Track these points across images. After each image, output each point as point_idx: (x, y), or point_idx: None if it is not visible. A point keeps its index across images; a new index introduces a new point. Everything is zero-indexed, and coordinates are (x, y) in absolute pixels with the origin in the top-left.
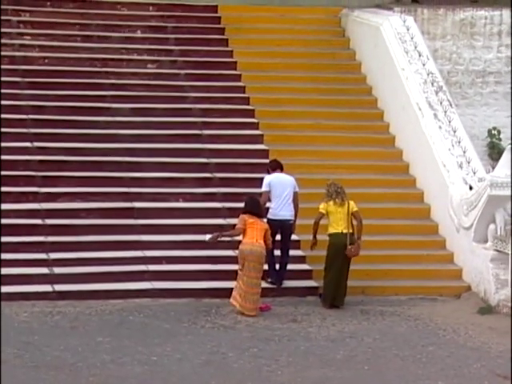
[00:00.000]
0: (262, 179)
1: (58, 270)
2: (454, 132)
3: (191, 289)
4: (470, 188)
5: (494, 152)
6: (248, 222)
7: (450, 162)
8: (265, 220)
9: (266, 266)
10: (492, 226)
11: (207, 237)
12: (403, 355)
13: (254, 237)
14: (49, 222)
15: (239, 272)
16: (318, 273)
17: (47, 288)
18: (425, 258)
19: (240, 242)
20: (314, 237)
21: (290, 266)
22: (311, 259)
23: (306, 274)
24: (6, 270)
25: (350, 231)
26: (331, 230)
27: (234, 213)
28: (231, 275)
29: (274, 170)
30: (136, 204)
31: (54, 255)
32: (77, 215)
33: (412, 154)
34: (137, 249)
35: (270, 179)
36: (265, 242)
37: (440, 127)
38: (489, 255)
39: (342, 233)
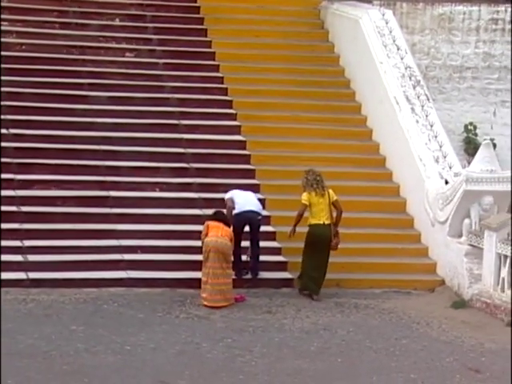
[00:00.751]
0: (238, 170)
1: (32, 258)
2: (431, 126)
3: (166, 278)
4: (446, 182)
5: (470, 147)
6: (211, 225)
7: (426, 156)
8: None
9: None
10: (467, 221)
11: None
12: (376, 348)
13: (218, 232)
14: (24, 209)
15: (203, 267)
16: (293, 264)
17: (21, 275)
18: (400, 252)
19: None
20: (295, 227)
21: (265, 258)
22: (286, 251)
23: (281, 266)
24: None
25: (333, 221)
26: (313, 221)
27: (210, 203)
28: None
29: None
30: (112, 193)
31: (28, 243)
32: (52, 203)
33: (389, 147)
34: (112, 238)
35: (233, 190)
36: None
37: (417, 121)
38: (463, 250)
39: (323, 224)
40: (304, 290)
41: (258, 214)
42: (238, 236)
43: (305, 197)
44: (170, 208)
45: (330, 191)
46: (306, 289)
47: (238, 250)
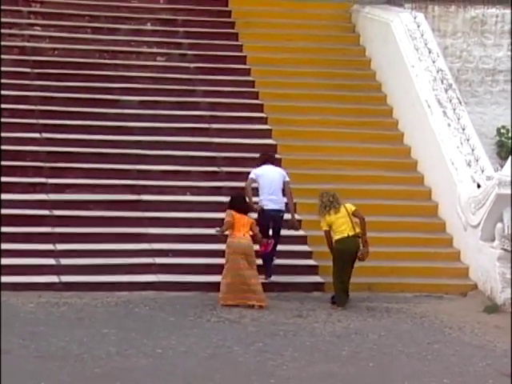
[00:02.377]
0: None
1: (64, 261)
2: (463, 130)
3: (197, 282)
4: (478, 186)
5: (503, 151)
6: (235, 216)
7: (458, 159)
8: (251, 215)
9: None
10: (499, 225)
11: (216, 229)
12: (408, 352)
13: (240, 231)
14: (56, 212)
15: (225, 268)
16: (324, 268)
17: (53, 279)
18: (431, 256)
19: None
20: (331, 249)
21: (296, 261)
22: (317, 255)
23: (312, 270)
24: (13, 261)
25: (357, 231)
26: (337, 237)
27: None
28: None
29: (263, 163)
30: (143, 197)
31: (60, 246)
32: (84, 207)
33: (420, 151)
34: (143, 241)
35: (256, 170)
36: (252, 236)
37: (449, 125)
38: (496, 254)
39: (348, 236)
40: (340, 303)
41: (281, 212)
42: (266, 235)
43: (322, 223)
44: (201, 212)
45: (347, 205)
46: (340, 304)
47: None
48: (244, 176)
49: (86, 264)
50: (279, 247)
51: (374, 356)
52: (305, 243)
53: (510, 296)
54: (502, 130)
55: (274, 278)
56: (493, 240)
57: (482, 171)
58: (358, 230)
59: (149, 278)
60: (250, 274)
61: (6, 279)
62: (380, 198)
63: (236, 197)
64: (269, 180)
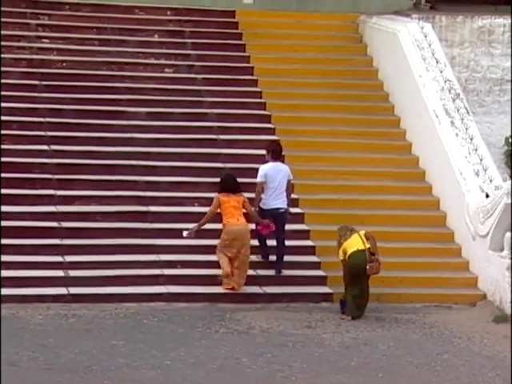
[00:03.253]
0: None
1: (73, 273)
2: (471, 139)
3: (206, 293)
4: (487, 196)
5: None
6: (222, 202)
7: (466, 169)
8: (244, 194)
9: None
10: (508, 235)
11: (184, 233)
12: (417, 363)
13: (234, 216)
14: (65, 224)
15: (222, 253)
16: (333, 279)
17: (62, 291)
18: (440, 266)
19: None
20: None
21: (304, 272)
22: (326, 265)
23: (320, 280)
24: (21, 273)
25: (368, 246)
26: (349, 250)
27: (249, 217)
28: (246, 280)
29: (273, 158)
30: (151, 208)
31: (69, 258)
32: (92, 218)
33: (428, 161)
34: (152, 253)
35: (267, 170)
36: (246, 215)
37: (457, 135)
38: (505, 264)
39: (358, 250)
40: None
41: (285, 210)
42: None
43: (340, 253)
44: (210, 223)
45: (360, 232)
46: (353, 316)
47: (261, 237)
48: (252, 187)
49: (94, 276)
50: (288, 258)
51: (383, 367)
52: (313, 254)
53: None
54: (510, 140)
55: (283, 289)
56: (502, 250)
57: (491, 181)
58: (368, 246)
59: (157, 290)
60: (245, 258)
61: (14, 291)
62: (388, 208)
63: (225, 178)
64: (276, 182)
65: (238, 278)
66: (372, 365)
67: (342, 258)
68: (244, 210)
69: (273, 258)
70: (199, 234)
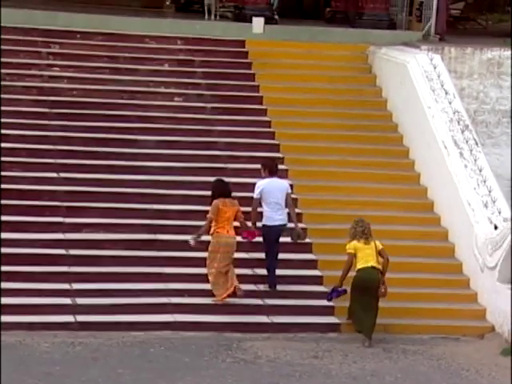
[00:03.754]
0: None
1: (80, 301)
2: (480, 171)
3: (213, 322)
4: (495, 228)
5: None
6: (220, 209)
7: (475, 201)
8: (235, 200)
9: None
10: None
11: (191, 242)
12: None
13: (224, 227)
14: (72, 252)
15: (211, 268)
16: (340, 309)
17: (69, 318)
18: (448, 297)
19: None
20: (343, 280)
21: (311, 302)
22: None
23: (327, 310)
24: (28, 300)
25: (379, 267)
26: (359, 265)
27: (256, 247)
28: (252, 309)
29: (270, 174)
30: (159, 236)
31: (76, 285)
32: (100, 246)
33: (437, 192)
34: (159, 281)
35: (263, 186)
36: (237, 221)
37: (465, 166)
38: None
39: (371, 267)
40: (358, 331)
41: (285, 225)
42: (271, 248)
43: (350, 246)
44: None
45: (377, 242)
46: (360, 330)
47: (273, 263)
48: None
49: (101, 304)
50: (296, 287)
51: None
52: (321, 284)
53: None
54: None
55: (290, 319)
56: (510, 282)
57: (499, 213)
58: (379, 266)
59: (164, 318)
60: (226, 270)
61: (22, 319)
62: (396, 239)
63: (217, 182)
64: (274, 196)
65: (232, 284)
66: None
67: (350, 251)
68: (235, 223)
69: (281, 287)
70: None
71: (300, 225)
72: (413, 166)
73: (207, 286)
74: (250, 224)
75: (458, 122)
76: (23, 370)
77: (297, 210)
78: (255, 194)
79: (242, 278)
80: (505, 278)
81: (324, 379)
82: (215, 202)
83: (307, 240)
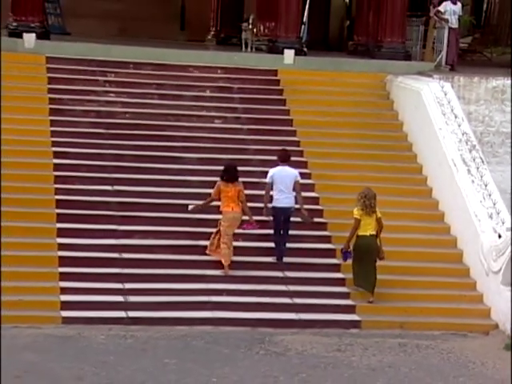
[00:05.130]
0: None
1: (131, 299)
2: (486, 186)
3: (248, 318)
4: (499, 236)
5: None
6: (222, 190)
7: (481, 212)
8: (240, 182)
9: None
10: None
11: (190, 207)
12: None
13: (229, 206)
14: (125, 255)
15: (226, 245)
16: (361, 308)
17: (122, 314)
18: (457, 298)
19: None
20: (349, 241)
21: (335, 301)
22: (354, 295)
23: (349, 309)
24: (86, 297)
25: (374, 233)
26: (360, 233)
27: (286, 252)
28: (283, 307)
29: (281, 162)
30: (201, 242)
31: (128, 285)
32: (149, 251)
33: (447, 204)
34: (201, 282)
35: (273, 173)
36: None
37: (473, 181)
38: None
39: (369, 235)
40: (359, 287)
41: (291, 208)
42: (277, 226)
43: (357, 212)
44: (251, 256)
45: (377, 211)
46: (361, 286)
47: (278, 238)
48: (290, 224)
49: (150, 301)
50: (321, 288)
51: None
52: (343, 285)
53: None
54: None
55: (317, 316)
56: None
57: (503, 223)
58: (375, 231)
59: (205, 315)
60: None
61: (80, 314)
62: (411, 246)
63: (227, 165)
64: (283, 182)
65: (228, 257)
66: None
67: (357, 216)
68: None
69: (287, 259)
70: (242, 265)
71: (325, 233)
72: (425, 182)
73: (242, 287)
74: (262, 205)
75: (466, 143)
76: (82, 358)
77: (322, 220)
78: (267, 179)
79: (273, 280)
80: (507, 281)
81: (346, 370)
82: (218, 183)
83: (331, 246)
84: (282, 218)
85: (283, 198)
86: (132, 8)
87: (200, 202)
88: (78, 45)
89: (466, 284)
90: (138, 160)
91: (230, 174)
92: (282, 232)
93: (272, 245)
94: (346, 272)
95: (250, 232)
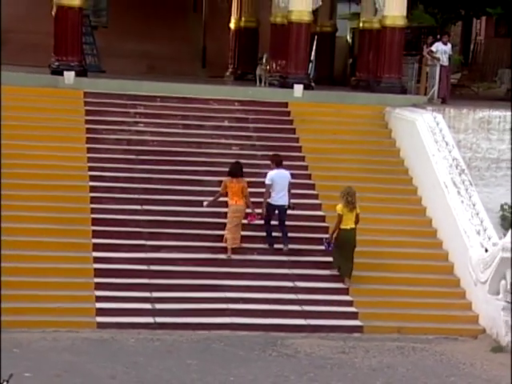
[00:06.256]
0: (317, 238)
1: (158, 306)
2: (474, 205)
3: (262, 324)
4: (486, 251)
5: (505, 223)
6: (228, 186)
7: (469, 229)
8: (244, 179)
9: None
10: (503, 282)
11: (204, 203)
12: (430, 383)
13: (233, 199)
14: (153, 268)
15: (228, 230)
16: (363, 315)
17: (150, 320)
18: (448, 306)
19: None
20: (333, 233)
21: (339, 308)
22: (358, 304)
23: (353, 315)
24: (118, 305)
25: (354, 226)
26: (342, 227)
27: (296, 265)
28: (293, 314)
29: (277, 166)
30: (220, 256)
31: (155, 294)
32: (174, 263)
33: (439, 221)
34: (219, 291)
35: (273, 175)
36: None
37: (462, 201)
38: (500, 305)
39: (350, 228)
40: (338, 271)
41: (285, 205)
42: (268, 217)
43: (339, 209)
44: (264, 268)
45: (357, 207)
46: (340, 271)
47: (268, 228)
48: (298, 240)
49: (175, 308)
50: (327, 297)
51: None
52: (347, 294)
53: (511, 339)
54: (505, 206)
55: (324, 322)
56: (498, 294)
57: (489, 238)
58: (354, 225)
59: (224, 320)
60: (236, 229)
61: (113, 319)
62: (407, 259)
63: (233, 164)
64: (280, 184)
65: (239, 244)
66: None
67: (340, 212)
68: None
69: (278, 246)
70: (257, 276)
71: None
72: (420, 202)
73: (258, 295)
74: (262, 200)
75: (456, 167)
76: (115, 359)
77: (328, 236)
78: (267, 181)
79: (284, 290)
80: (494, 290)
81: (350, 370)
82: (224, 179)
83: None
84: (274, 212)
85: (278, 197)
86: (159, 48)
87: (211, 199)
88: (112, 81)
89: (456, 293)
90: (165, 182)
91: (234, 172)
92: (279, 224)
93: (282, 258)
94: (351, 283)
95: (264, 247)
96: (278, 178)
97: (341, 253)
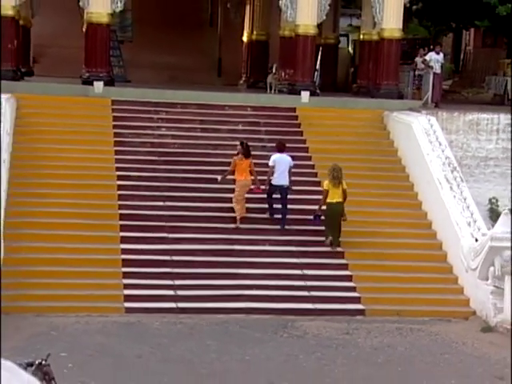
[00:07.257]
0: (323, 230)
1: (180, 292)
2: (465, 200)
3: (274, 308)
4: (476, 240)
5: (494, 215)
6: (237, 163)
7: (461, 221)
8: (250, 158)
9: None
10: (492, 268)
11: (219, 178)
12: (426, 361)
13: (242, 175)
14: (174, 258)
15: (235, 201)
16: (365, 299)
17: (172, 305)
18: (442, 290)
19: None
20: (321, 206)
21: (344, 294)
22: (360, 289)
23: (355, 300)
24: (144, 292)
25: (341, 200)
26: (329, 200)
27: (305, 254)
28: (302, 299)
29: (279, 151)
30: (235, 247)
31: (177, 282)
32: (194, 254)
33: (434, 214)
34: (235, 279)
35: (275, 158)
36: (250, 173)
37: (454, 196)
38: (489, 289)
39: (336, 202)
40: (329, 243)
41: (286, 186)
42: (271, 195)
43: (325, 185)
44: (276, 258)
45: (343, 182)
46: (331, 240)
47: (270, 201)
48: (305, 232)
49: (195, 294)
50: (332, 283)
51: (401, 363)
52: (351, 280)
53: (499, 320)
54: (493, 200)
55: (329, 306)
56: (487, 279)
57: (479, 229)
58: (341, 199)
59: (239, 305)
60: (242, 199)
61: (140, 305)
62: (404, 248)
63: (243, 144)
64: (281, 166)
65: (244, 211)
66: (393, 362)
67: (326, 188)
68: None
69: (306, 260)
70: (269, 266)
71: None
72: (416, 196)
73: (270, 283)
74: (264, 178)
75: (449, 165)
76: (141, 341)
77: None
78: (270, 163)
79: (294, 277)
80: (483, 276)
81: (353, 349)
82: (234, 158)
83: (340, 249)
84: (273, 191)
85: (279, 178)
86: (180, 60)
87: (224, 174)
88: (137, 90)
89: (449, 279)
90: (185, 181)
91: (244, 151)
92: (282, 205)
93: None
94: (353, 270)
95: (275, 238)
96: (280, 162)
97: (328, 223)
